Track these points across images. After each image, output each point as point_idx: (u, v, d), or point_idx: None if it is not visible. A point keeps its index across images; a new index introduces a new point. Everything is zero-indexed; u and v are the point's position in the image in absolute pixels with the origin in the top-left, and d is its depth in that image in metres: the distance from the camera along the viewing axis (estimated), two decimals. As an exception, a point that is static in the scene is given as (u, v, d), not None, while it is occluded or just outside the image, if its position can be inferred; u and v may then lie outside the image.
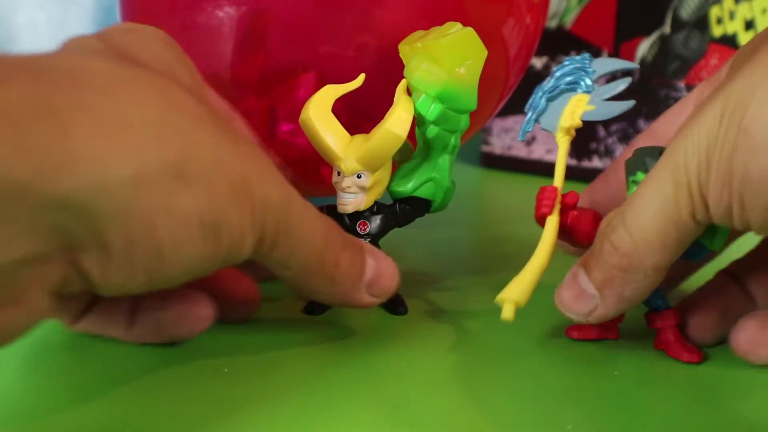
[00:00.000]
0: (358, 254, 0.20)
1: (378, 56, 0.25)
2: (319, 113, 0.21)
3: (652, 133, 0.22)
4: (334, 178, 0.22)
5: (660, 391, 0.19)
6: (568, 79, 0.21)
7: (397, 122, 0.21)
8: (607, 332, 0.21)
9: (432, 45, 0.21)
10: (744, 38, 0.38)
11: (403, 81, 0.22)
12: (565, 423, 0.17)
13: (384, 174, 0.22)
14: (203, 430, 0.17)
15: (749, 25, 0.38)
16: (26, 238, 0.14)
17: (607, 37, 0.42)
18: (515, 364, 0.20)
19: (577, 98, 0.21)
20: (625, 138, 0.41)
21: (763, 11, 0.37)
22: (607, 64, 0.21)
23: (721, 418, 0.18)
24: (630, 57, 0.41)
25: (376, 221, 0.22)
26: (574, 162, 0.43)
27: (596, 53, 0.42)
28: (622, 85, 0.20)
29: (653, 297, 0.20)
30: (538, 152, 0.44)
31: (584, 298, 0.19)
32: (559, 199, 0.20)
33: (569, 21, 0.43)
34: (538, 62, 0.44)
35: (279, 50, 0.24)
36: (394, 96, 0.22)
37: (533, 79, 0.45)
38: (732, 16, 0.38)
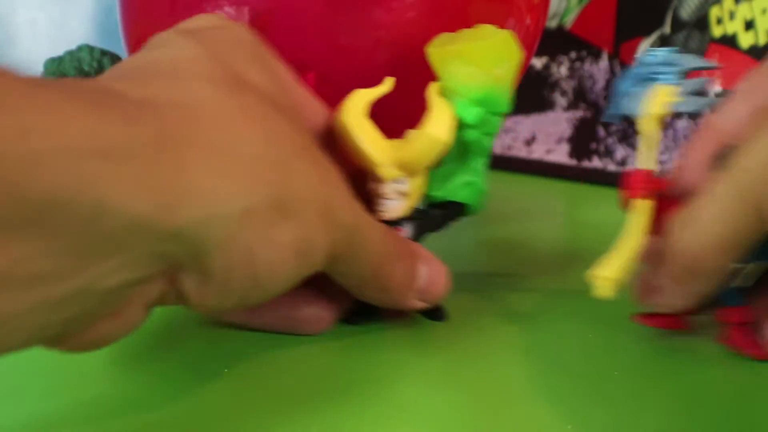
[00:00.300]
0: (412, 262, 0.21)
1: (381, 58, 0.25)
2: (354, 119, 0.21)
3: (713, 127, 0.22)
4: (371, 185, 0.21)
5: (660, 391, 0.19)
6: (658, 69, 0.21)
7: (439, 126, 0.21)
8: (677, 323, 0.22)
9: (471, 48, 0.21)
10: (744, 38, 0.38)
11: (436, 84, 0.22)
12: (565, 423, 0.17)
13: (422, 179, 0.22)
14: None
15: (749, 25, 0.38)
16: (138, 265, 0.14)
17: (607, 37, 0.42)
18: (514, 364, 0.20)
19: (664, 89, 0.21)
20: (625, 138, 0.41)
21: (763, 11, 0.37)
22: (691, 60, 0.22)
23: (721, 418, 0.18)
24: (630, 57, 0.41)
25: (412, 227, 0.22)
26: (574, 162, 0.43)
27: (596, 53, 0.42)
28: (708, 81, 0.20)
29: (728, 294, 0.20)
30: (538, 152, 0.44)
31: (654, 289, 0.20)
32: (649, 183, 0.20)
33: (569, 21, 0.43)
34: (538, 62, 0.44)
35: (279, 50, 0.24)
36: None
37: (533, 79, 0.45)
38: (732, 16, 0.38)
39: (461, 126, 0.22)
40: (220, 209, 0.15)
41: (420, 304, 0.21)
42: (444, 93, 0.22)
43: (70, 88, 0.14)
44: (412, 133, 0.21)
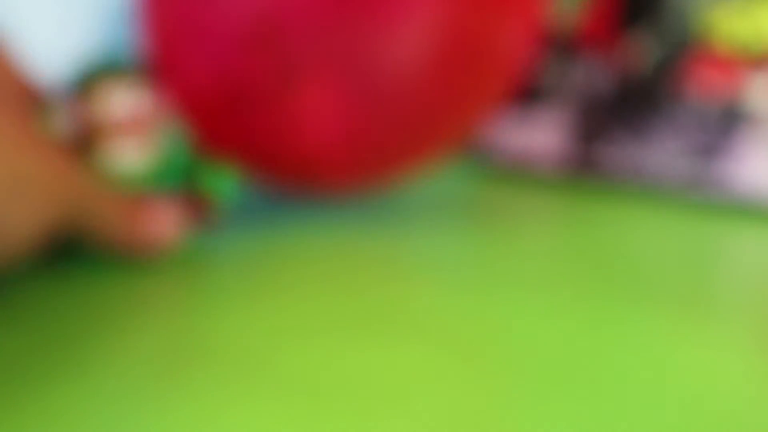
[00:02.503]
0: (135, 213, 0.24)
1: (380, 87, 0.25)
2: None
3: None
4: None
5: (659, 390, 0.19)
6: None
7: None
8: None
9: None
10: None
11: None
12: (564, 423, 0.17)
13: None
14: (196, 427, 0.17)
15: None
16: None
17: (607, 38, 0.42)
18: (514, 364, 0.20)
19: None
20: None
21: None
22: None
23: (722, 417, 0.18)
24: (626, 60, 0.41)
25: None
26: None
27: (597, 53, 0.42)
28: None
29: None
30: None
31: None
32: None
33: (571, 22, 0.43)
34: (541, 65, 0.44)
35: (285, 55, 0.24)
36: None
37: (536, 84, 0.45)
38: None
39: None
40: None
41: (152, 251, 0.24)
42: None
43: None
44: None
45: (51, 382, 0.18)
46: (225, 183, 0.27)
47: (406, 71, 0.24)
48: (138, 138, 0.26)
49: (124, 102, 0.26)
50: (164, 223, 0.25)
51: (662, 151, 0.38)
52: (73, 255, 0.25)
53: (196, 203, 0.27)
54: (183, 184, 0.28)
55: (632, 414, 0.18)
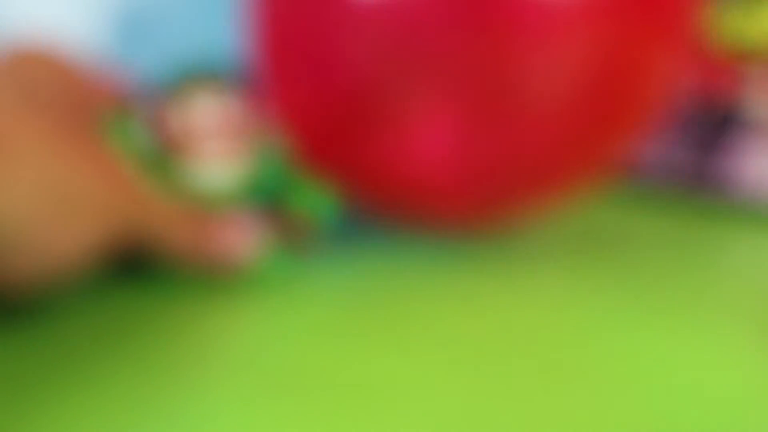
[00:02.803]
0: (208, 229, 0.23)
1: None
2: None
3: None
4: None
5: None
6: None
7: None
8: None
9: None
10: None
11: None
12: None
13: None
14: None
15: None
16: None
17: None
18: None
19: None
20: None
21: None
22: None
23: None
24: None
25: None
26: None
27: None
28: None
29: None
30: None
31: None
32: None
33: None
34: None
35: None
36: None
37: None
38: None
39: None
40: (7, 196, 0.18)
41: (227, 267, 0.24)
42: None
43: None
44: None
45: (122, 403, 0.18)
46: (322, 204, 0.25)
47: (538, 99, 0.22)
48: (225, 150, 0.25)
49: (213, 110, 0.25)
50: (239, 240, 0.24)
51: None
52: (148, 271, 0.24)
53: (287, 224, 0.26)
54: (274, 203, 0.26)
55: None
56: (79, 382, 0.18)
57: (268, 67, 0.25)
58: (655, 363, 0.20)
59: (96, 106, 0.25)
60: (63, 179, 0.19)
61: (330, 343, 0.20)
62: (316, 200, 0.25)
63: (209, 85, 0.25)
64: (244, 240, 0.24)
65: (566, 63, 0.21)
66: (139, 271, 0.25)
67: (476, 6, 0.20)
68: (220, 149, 0.25)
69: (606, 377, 0.19)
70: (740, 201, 0.35)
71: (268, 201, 0.27)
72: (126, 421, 0.17)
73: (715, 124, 0.36)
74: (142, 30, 0.71)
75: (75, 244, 0.20)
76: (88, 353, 0.20)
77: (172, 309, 0.22)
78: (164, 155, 0.26)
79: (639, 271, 0.26)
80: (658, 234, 0.31)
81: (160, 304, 0.23)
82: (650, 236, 0.31)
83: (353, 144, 0.23)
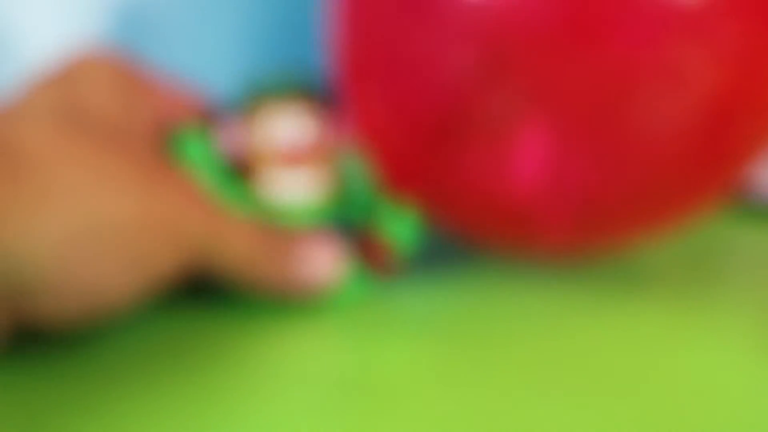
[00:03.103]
0: (291, 252, 0.22)
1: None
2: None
3: None
4: None
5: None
6: None
7: None
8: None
9: None
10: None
11: None
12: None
13: None
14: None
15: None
16: None
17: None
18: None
19: None
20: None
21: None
22: None
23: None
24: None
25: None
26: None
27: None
28: None
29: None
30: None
31: None
32: None
33: None
34: None
35: (508, 90, 0.20)
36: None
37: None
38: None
39: None
40: (40, 233, 0.17)
41: (311, 289, 0.23)
42: None
43: None
44: None
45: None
46: (404, 226, 0.24)
47: (649, 126, 0.20)
48: (305, 169, 0.24)
49: (293, 127, 0.24)
50: (320, 263, 0.23)
51: None
52: (216, 288, 0.23)
53: (369, 246, 0.25)
54: (357, 224, 0.25)
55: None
56: (146, 402, 0.18)
57: (350, 85, 0.24)
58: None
59: (169, 119, 0.23)
60: (108, 211, 0.18)
61: (410, 368, 0.20)
62: (399, 222, 0.24)
63: (289, 103, 0.24)
64: (325, 263, 0.23)
65: (679, 80, 0.19)
66: (207, 288, 0.24)
67: (582, 17, 0.19)
68: (299, 169, 0.24)
69: (721, 412, 0.18)
70: None
71: (350, 222, 0.26)
72: None
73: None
74: (222, 48, 0.71)
75: (125, 281, 0.19)
76: (153, 374, 0.19)
77: (243, 329, 0.22)
78: (241, 174, 0.24)
79: (749, 293, 0.25)
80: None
81: (230, 323, 0.22)
82: (763, 255, 0.29)
83: (442, 165, 0.22)
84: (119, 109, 0.21)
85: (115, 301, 0.19)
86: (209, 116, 0.25)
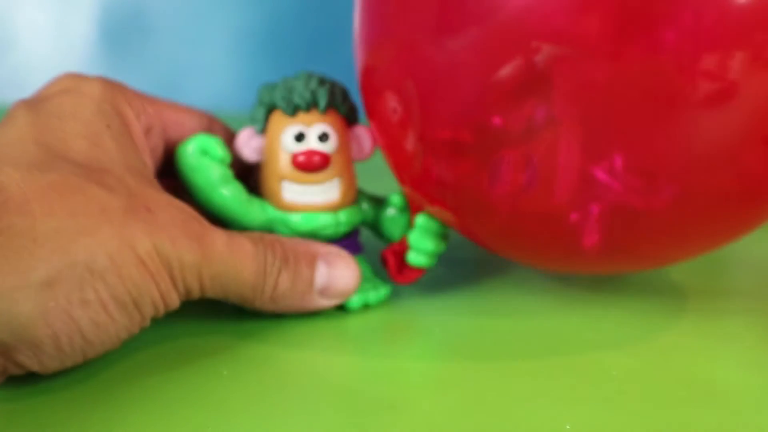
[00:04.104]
0: (305, 266, 0.21)
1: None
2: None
3: None
4: None
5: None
6: None
7: None
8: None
9: None
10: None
11: None
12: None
13: None
14: None
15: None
16: None
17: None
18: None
19: None
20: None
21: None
22: None
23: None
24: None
25: None
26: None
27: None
28: None
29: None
30: None
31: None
32: None
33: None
34: None
35: (551, 104, 0.18)
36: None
37: None
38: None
39: None
40: (19, 284, 0.16)
41: (327, 303, 0.22)
42: None
43: None
44: None
45: None
46: (429, 240, 0.23)
47: (699, 141, 0.19)
48: (323, 180, 0.23)
49: (309, 138, 0.23)
50: (341, 276, 0.22)
51: None
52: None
53: (391, 259, 0.24)
54: (384, 236, 0.25)
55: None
56: (150, 405, 0.18)
57: (374, 95, 0.22)
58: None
59: (168, 137, 0.23)
60: (85, 253, 0.17)
61: (435, 383, 0.19)
62: (424, 237, 0.23)
63: (308, 113, 0.23)
64: (346, 276, 0.22)
65: (731, 94, 0.18)
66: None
67: (629, 26, 0.17)
68: (315, 181, 0.23)
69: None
70: None
71: (381, 236, 0.25)
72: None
73: None
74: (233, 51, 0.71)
75: (116, 324, 0.18)
76: (157, 376, 0.19)
77: (259, 338, 0.21)
78: (253, 186, 0.24)
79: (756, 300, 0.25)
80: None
81: (236, 328, 0.22)
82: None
83: (477, 182, 0.20)
84: (98, 138, 0.20)
85: (107, 344, 0.18)
86: (218, 127, 0.24)
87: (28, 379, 0.18)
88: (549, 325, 0.23)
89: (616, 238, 0.20)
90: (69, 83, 0.21)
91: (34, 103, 0.20)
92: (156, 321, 0.20)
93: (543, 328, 0.22)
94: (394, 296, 0.24)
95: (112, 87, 0.21)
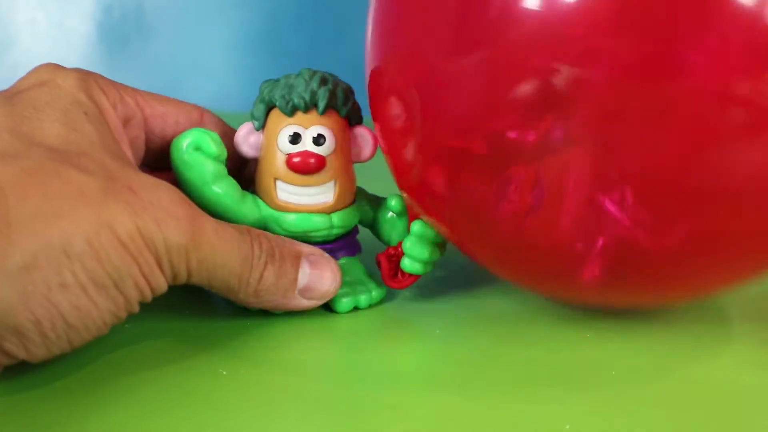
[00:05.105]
0: (289, 264, 0.21)
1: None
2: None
3: None
4: None
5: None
6: None
7: None
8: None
9: None
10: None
11: None
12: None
13: None
14: None
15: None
16: None
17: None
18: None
19: None
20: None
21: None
22: None
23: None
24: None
25: None
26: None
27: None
28: None
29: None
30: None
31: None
32: None
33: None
34: None
35: (566, 121, 0.18)
36: None
37: None
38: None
39: None
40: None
41: (308, 303, 0.22)
42: None
43: None
44: None
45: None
46: (424, 248, 0.23)
47: (727, 173, 0.17)
48: (318, 183, 0.23)
49: (306, 138, 0.22)
50: (322, 277, 0.22)
51: None
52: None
53: (385, 264, 0.24)
54: (383, 239, 0.25)
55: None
56: (145, 401, 0.18)
57: (381, 102, 0.22)
58: None
59: (141, 125, 0.22)
60: (61, 236, 0.17)
61: (429, 391, 0.19)
62: (419, 243, 0.23)
63: (306, 113, 0.23)
64: (328, 278, 0.22)
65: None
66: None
67: (658, 52, 0.17)
68: (310, 181, 0.22)
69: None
70: None
71: (378, 238, 0.25)
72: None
73: None
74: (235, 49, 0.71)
75: (99, 307, 0.17)
76: (153, 370, 0.19)
77: (259, 338, 0.21)
78: (247, 183, 0.24)
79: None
80: None
81: (231, 323, 0.22)
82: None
83: (481, 198, 0.20)
84: (76, 124, 0.19)
85: (92, 329, 0.18)
86: (210, 120, 0.24)
87: (26, 379, 0.18)
88: (547, 328, 0.23)
89: (618, 273, 0.20)
90: (45, 75, 0.21)
91: (10, 96, 0.20)
92: (155, 320, 0.20)
93: (542, 331, 0.22)
94: (394, 297, 0.24)
95: (86, 77, 0.21)
